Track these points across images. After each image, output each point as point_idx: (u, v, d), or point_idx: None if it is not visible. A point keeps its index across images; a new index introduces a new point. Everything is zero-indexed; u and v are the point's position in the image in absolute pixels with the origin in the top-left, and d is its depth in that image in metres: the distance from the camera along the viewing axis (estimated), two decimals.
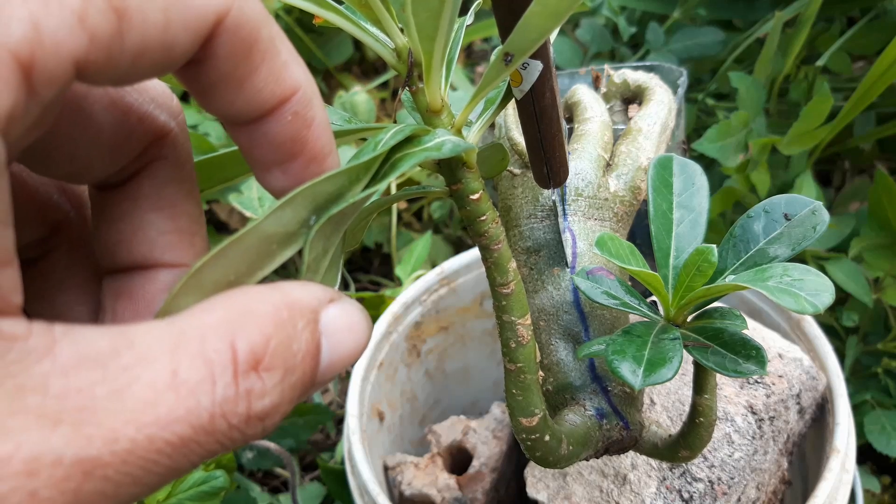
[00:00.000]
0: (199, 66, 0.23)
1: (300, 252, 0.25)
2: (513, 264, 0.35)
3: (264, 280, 0.24)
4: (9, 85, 0.18)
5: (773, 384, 0.54)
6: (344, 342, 0.24)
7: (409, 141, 0.28)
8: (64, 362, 0.19)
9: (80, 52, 0.19)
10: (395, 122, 0.33)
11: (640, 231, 0.51)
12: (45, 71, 0.19)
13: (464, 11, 0.35)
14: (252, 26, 0.23)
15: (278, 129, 0.25)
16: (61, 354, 0.19)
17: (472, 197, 0.33)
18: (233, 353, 0.21)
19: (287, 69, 0.24)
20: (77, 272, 0.28)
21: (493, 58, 0.30)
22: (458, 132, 0.33)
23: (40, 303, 0.28)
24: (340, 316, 0.24)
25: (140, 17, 0.20)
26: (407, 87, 0.32)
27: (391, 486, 0.66)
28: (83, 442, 0.18)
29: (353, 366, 0.64)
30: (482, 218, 0.34)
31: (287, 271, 1.00)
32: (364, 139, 0.30)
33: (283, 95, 0.24)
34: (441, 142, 0.29)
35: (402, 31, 0.31)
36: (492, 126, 0.52)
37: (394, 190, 0.90)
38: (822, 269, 0.79)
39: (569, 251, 0.45)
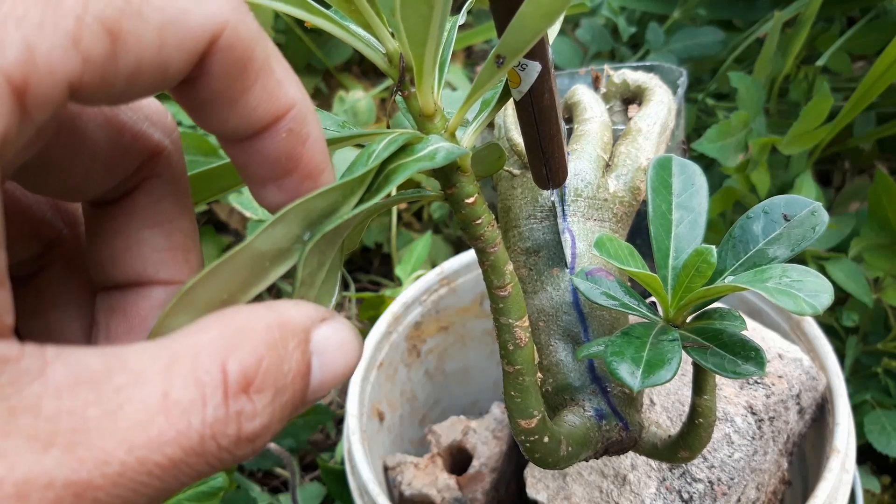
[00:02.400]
0: (193, 83, 0.23)
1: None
2: (509, 267, 0.35)
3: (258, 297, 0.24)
4: (2, 108, 0.18)
5: (773, 384, 0.54)
6: (334, 361, 0.24)
7: (402, 150, 0.28)
8: (56, 384, 0.19)
9: (75, 74, 0.19)
10: (388, 126, 0.33)
11: (640, 231, 0.50)
12: (39, 93, 0.18)
13: (457, 10, 0.35)
14: (246, 45, 0.23)
15: (273, 146, 0.25)
16: (54, 376, 0.19)
17: (467, 201, 0.33)
18: (224, 374, 0.21)
19: (281, 87, 0.24)
20: (70, 289, 0.28)
21: (488, 59, 0.30)
22: (452, 136, 0.32)
23: (33, 320, 0.28)
24: (332, 335, 0.24)
25: (134, 37, 0.20)
26: (399, 92, 0.31)
27: (391, 486, 0.66)
28: (75, 464, 0.18)
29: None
30: (477, 221, 0.34)
31: (290, 277, 1.00)
32: (361, 145, 0.30)
33: (277, 113, 0.24)
34: (434, 150, 0.28)
35: (392, 35, 0.31)
36: (491, 126, 0.51)
37: (392, 192, 0.90)
38: (822, 270, 0.79)
39: (568, 252, 0.44)
